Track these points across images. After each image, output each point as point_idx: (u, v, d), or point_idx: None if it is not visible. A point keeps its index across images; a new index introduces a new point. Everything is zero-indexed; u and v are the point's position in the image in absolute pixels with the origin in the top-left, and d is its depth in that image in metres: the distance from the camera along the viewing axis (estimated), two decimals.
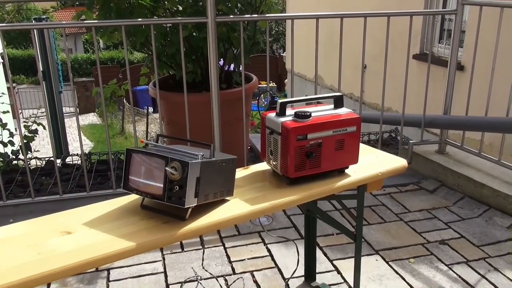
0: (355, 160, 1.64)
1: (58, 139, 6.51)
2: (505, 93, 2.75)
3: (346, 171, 1.65)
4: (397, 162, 1.76)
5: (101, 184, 3.23)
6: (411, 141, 3.21)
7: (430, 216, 2.66)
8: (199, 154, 1.31)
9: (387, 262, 2.21)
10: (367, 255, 2.27)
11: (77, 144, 12.00)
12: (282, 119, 1.54)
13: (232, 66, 3.33)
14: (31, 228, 1.32)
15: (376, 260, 2.23)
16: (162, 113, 3.19)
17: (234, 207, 1.41)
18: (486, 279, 2.07)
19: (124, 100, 14.06)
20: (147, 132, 14.88)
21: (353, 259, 2.22)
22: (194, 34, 3.06)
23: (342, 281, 2.07)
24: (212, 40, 2.62)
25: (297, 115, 1.54)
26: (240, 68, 3.21)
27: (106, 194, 2.86)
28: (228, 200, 1.45)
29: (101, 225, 1.31)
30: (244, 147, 3.16)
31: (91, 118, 16.04)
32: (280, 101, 1.57)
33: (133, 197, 1.48)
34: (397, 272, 2.13)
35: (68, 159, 3.82)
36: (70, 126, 13.40)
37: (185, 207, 1.28)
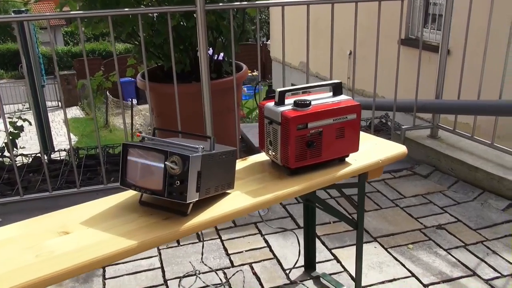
0: (355, 148, 1.61)
1: (42, 134, 6.37)
2: (495, 76, 2.74)
3: (346, 159, 1.63)
4: (396, 148, 1.74)
5: (91, 180, 3.16)
6: (403, 127, 3.20)
7: (426, 201, 2.66)
8: (199, 147, 1.27)
9: (386, 249, 2.20)
10: (366, 242, 2.25)
11: (60, 139, 11.83)
12: (282, 108, 1.50)
13: (221, 55, 3.28)
14: (26, 229, 1.26)
15: (375, 247, 2.22)
16: (152, 105, 3.13)
17: (236, 200, 1.37)
18: (486, 262, 2.08)
19: (108, 93, 13.86)
20: (132, 125, 14.71)
21: (351, 247, 2.23)
22: (182, 23, 3.00)
23: (342, 269, 2.06)
24: (201, 29, 2.56)
25: (296, 104, 1.50)
26: (230, 57, 3.16)
27: (97, 190, 2.80)
28: (229, 193, 1.41)
29: (100, 224, 1.27)
30: (236, 137, 3.12)
31: (74, 112, 15.81)
32: (278, 90, 1.53)
33: (130, 193, 1.43)
34: (396, 259, 2.12)
35: (54, 155, 3.74)
36: (53, 120, 13.18)
37: (187, 202, 1.24)
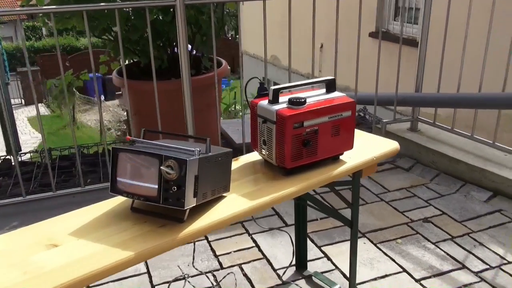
0: (350, 146, 1.58)
1: (9, 134, 6.10)
2: (475, 69, 2.77)
3: (341, 157, 1.59)
4: (389, 145, 1.71)
5: (66, 182, 3.03)
6: (384, 120, 3.21)
7: (410, 194, 2.67)
8: (195, 150, 1.21)
9: (375, 245, 2.19)
10: None
11: (25, 138, 11.42)
12: (276, 107, 1.44)
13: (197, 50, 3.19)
14: (10, 242, 1.17)
15: (364, 243, 2.21)
16: (126, 103, 3.02)
17: (233, 204, 1.32)
18: (473, 254, 2.09)
19: (74, 89, 13.47)
20: (101, 122, 14.33)
21: (340, 244, 2.22)
22: (159, 18, 2.90)
23: (334, 267, 2.04)
24: (181, 24, 2.47)
25: (291, 102, 1.45)
26: (209, 53, 3.09)
27: (74, 193, 2.68)
28: (225, 197, 1.36)
29: (90, 234, 1.19)
30: (218, 135, 3.05)
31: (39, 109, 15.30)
32: (273, 88, 1.48)
33: (119, 199, 1.35)
34: (386, 254, 2.12)
35: (25, 157, 3.58)
36: (17, 118, 12.70)
37: (185, 208, 1.18)
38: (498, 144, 2.77)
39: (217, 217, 1.25)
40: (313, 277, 1.96)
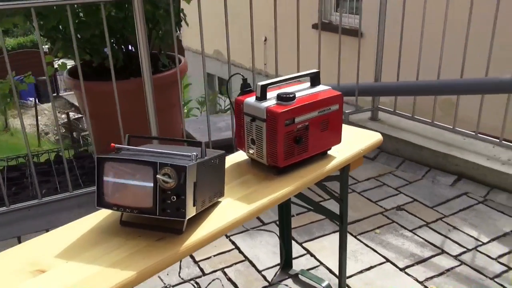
0: (338, 140, 1.54)
1: None
2: (431, 57, 2.84)
3: (328, 152, 1.56)
4: (373, 136, 1.70)
5: (17, 195, 2.81)
6: (347, 111, 3.22)
7: (379, 183, 2.70)
8: (192, 155, 1.12)
9: (355, 237, 2.19)
10: (334, 232, 2.23)
11: None
12: (265, 104, 1.38)
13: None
14: None
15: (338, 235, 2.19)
16: (83, 106, 2.83)
17: (231, 210, 1.24)
18: (450, 239, 2.14)
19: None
20: (38, 126, 13.64)
21: (321, 239, 2.20)
22: (112, 14, 2.73)
23: (318, 263, 2.01)
24: (139, 19, 2.33)
25: (280, 98, 1.39)
26: (167, 49, 2.96)
27: (30, 206, 2.47)
28: (220, 202, 1.28)
29: (80, 255, 1.07)
30: (183, 135, 2.94)
31: None
32: (260, 84, 1.41)
33: (105, 213, 1.24)
34: (367, 246, 2.12)
35: None
36: None
37: (186, 219, 1.09)
38: (458, 129, 2.86)
39: (217, 225, 1.17)
40: (299, 276, 1.92)
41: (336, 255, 2.03)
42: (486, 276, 1.88)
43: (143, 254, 1.07)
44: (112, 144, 1.19)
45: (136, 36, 2.76)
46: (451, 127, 2.88)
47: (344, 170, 1.61)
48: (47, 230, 2.39)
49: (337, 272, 1.94)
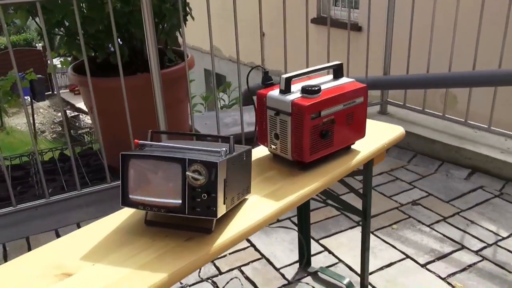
0: (362, 134, 1.50)
1: None
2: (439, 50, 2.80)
3: (352, 146, 1.51)
4: (395, 130, 1.65)
5: (23, 194, 2.75)
6: None
7: (392, 178, 2.66)
8: (221, 150, 1.07)
9: (372, 233, 2.15)
10: (350, 228, 2.19)
11: None
12: (290, 97, 1.33)
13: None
14: (12, 274, 0.98)
15: (360, 231, 2.15)
16: (89, 103, 2.77)
17: (259, 207, 1.19)
18: (469, 233, 2.10)
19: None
20: (34, 125, 13.54)
21: (338, 235, 2.15)
22: (117, 8, 2.67)
23: (337, 260, 1.97)
24: (147, 13, 2.28)
25: (305, 91, 1.34)
26: (173, 44, 2.90)
27: (37, 206, 2.42)
28: (247, 199, 1.23)
29: (107, 257, 1.02)
30: (192, 131, 2.88)
31: None
32: (284, 76, 1.36)
33: (127, 212, 1.19)
34: (385, 242, 2.08)
35: None
36: None
37: (218, 217, 1.04)
38: (470, 122, 2.82)
39: (247, 224, 1.12)
40: (319, 273, 1.88)
41: (354, 251, 2.00)
42: (510, 272, 1.84)
43: (173, 255, 1.02)
44: (136, 141, 1.14)
45: (141, 31, 2.72)
46: (463, 120, 2.84)
47: (368, 165, 1.57)
48: (56, 230, 2.34)
49: (356, 269, 1.90)
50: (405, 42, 2.94)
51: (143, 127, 2.63)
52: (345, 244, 2.06)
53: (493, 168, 2.57)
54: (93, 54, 2.87)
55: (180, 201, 1.04)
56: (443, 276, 1.84)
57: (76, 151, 3.42)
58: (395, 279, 1.83)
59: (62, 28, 2.67)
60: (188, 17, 2.90)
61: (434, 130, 2.90)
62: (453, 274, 1.85)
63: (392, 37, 3.06)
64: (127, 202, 1.09)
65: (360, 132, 1.49)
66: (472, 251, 1.98)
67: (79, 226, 2.34)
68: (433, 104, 2.91)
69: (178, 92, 2.74)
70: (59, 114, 14.59)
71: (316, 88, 1.34)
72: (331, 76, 1.50)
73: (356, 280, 1.83)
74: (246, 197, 1.22)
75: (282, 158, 1.41)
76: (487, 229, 2.13)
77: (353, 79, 1.50)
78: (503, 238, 2.05)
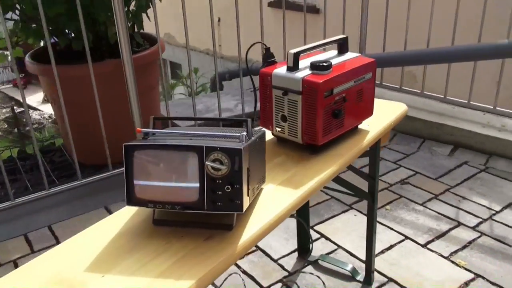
0: (370, 113, 1.41)
1: None
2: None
3: (359, 126, 1.42)
4: (398, 107, 1.58)
5: None
6: None
7: None
8: (241, 135, 0.94)
9: (365, 215, 2.08)
10: (343, 212, 2.11)
11: None
12: (300, 74, 1.21)
13: None
14: None
15: (355, 215, 2.09)
16: (51, 94, 2.54)
17: (278, 197, 1.08)
18: (462, 209, 2.08)
19: None
20: None
21: (332, 220, 2.08)
22: None
23: (336, 247, 1.89)
24: None
25: (315, 67, 1.22)
26: (140, 27, 2.70)
27: (0, 209, 2.19)
28: (262, 189, 1.11)
29: (117, 266, 0.88)
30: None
31: None
32: (292, 51, 1.24)
33: (127, 212, 1.04)
34: (382, 223, 2.02)
35: None
36: None
37: (244, 211, 0.91)
38: (450, 98, 2.81)
39: (269, 216, 1.00)
40: (319, 261, 1.79)
41: (351, 236, 1.93)
42: (509, 245, 1.83)
43: (194, 258, 0.89)
44: (138, 129, 0.99)
45: (105, 14, 2.51)
46: (442, 96, 2.83)
47: (377, 145, 1.48)
48: (26, 235, 2.13)
49: (357, 254, 1.83)
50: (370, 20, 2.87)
51: (114, 117, 2.45)
52: (341, 229, 1.99)
53: (475, 143, 2.57)
54: (52, 41, 2.63)
55: (198, 196, 0.91)
56: (445, 255, 1.80)
57: (30, 149, 3.16)
58: (398, 262, 1.78)
59: (16, 13, 2.42)
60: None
61: (413, 107, 2.87)
62: (455, 252, 1.81)
63: (367, 15, 2.99)
64: (133, 201, 0.95)
65: (368, 110, 1.40)
66: (469, 227, 1.96)
67: (50, 229, 2.14)
68: (395, 80, 2.88)
69: (150, 78, 2.56)
70: (4, 110, 13.79)
71: (327, 64, 1.23)
72: (335, 51, 1.40)
73: (359, 265, 1.76)
74: (262, 186, 1.11)
75: (288, 141, 1.30)
76: (479, 204, 2.12)
77: (359, 54, 1.40)
78: (497, 212, 2.05)
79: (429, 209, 2.10)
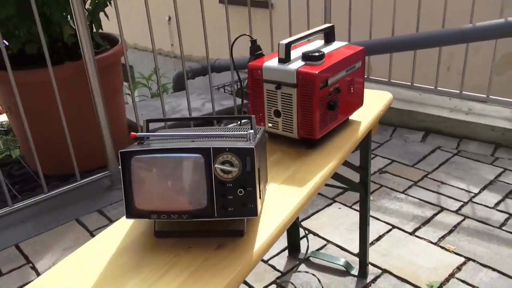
0: (361, 103, 1.37)
1: None
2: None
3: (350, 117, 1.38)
4: (384, 96, 1.55)
5: None
6: None
7: None
8: (248, 133, 0.87)
9: (350, 207, 2.06)
10: (327, 206, 2.08)
11: None
12: (294, 66, 1.15)
13: None
14: None
15: (339, 208, 2.06)
16: (6, 102, 2.36)
17: (283, 197, 1.02)
18: (443, 194, 2.10)
19: None
20: None
21: (317, 215, 2.04)
22: None
23: (325, 242, 1.85)
24: None
25: (308, 57, 1.17)
26: (99, 27, 2.56)
27: None
28: (266, 189, 1.04)
29: (124, 286, 0.79)
30: (126, 123, 2.59)
31: None
32: (284, 42, 1.17)
33: (121, 226, 0.95)
34: None
35: None
36: None
37: (258, 215, 0.85)
38: (416, 84, 2.85)
39: (280, 218, 0.94)
40: (311, 258, 1.75)
41: (339, 230, 1.90)
42: (493, 226, 1.86)
43: (209, 270, 0.81)
44: (133, 133, 0.89)
45: (60, 13, 2.35)
46: (410, 83, 2.86)
47: (368, 136, 1.45)
48: None
49: (347, 248, 1.81)
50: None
51: (78, 123, 2.30)
52: (327, 224, 1.95)
53: (445, 127, 2.61)
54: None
55: (206, 202, 0.84)
56: (434, 241, 1.80)
57: None
58: (390, 252, 1.76)
59: None
60: None
61: None
62: (443, 237, 1.82)
63: (331, 10, 2.98)
64: (133, 213, 0.85)
65: (359, 100, 1.36)
66: (452, 211, 1.98)
67: (18, 248, 1.97)
68: None
69: (113, 81, 2.42)
70: None
71: (319, 54, 1.18)
72: (321, 41, 1.35)
73: (351, 259, 1.73)
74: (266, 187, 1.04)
75: (281, 137, 1.24)
76: (458, 187, 2.14)
77: (347, 42, 1.36)
78: (476, 194, 2.08)
79: (411, 196, 2.11)
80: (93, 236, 1.97)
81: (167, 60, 7.89)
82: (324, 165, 1.14)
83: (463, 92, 2.69)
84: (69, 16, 2.41)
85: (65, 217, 2.12)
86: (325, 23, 3.06)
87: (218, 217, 0.84)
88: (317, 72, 1.12)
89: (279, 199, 1.00)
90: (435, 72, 2.73)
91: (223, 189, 0.83)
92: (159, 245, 0.88)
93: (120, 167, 0.84)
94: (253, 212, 0.84)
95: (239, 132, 0.88)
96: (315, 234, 1.90)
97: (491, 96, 2.61)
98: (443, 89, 2.76)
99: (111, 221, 2.06)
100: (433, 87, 2.79)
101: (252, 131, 0.87)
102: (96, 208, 2.17)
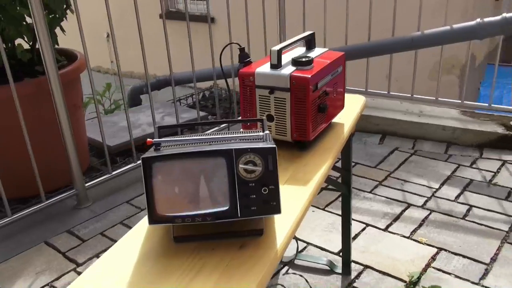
0: (343, 105, 1.44)
1: None
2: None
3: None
4: (358, 100, 1.63)
5: None
6: None
7: None
8: (265, 134, 0.90)
9: (323, 209, 2.13)
10: None
11: None
12: (286, 71, 1.20)
13: None
14: None
15: (313, 211, 2.12)
16: None
17: (291, 195, 1.06)
18: (407, 191, 2.22)
19: None
20: None
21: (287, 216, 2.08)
22: None
23: (305, 244, 1.90)
24: (35, 3, 1.89)
25: (298, 63, 1.22)
26: (55, 42, 2.47)
27: None
28: None
29: None
30: (87, 140, 2.52)
31: None
32: (275, 48, 1.22)
33: (135, 236, 0.94)
34: (340, 215, 2.07)
35: None
36: None
37: (281, 212, 0.87)
38: (370, 90, 2.99)
39: (292, 217, 0.98)
40: (295, 261, 1.79)
41: (317, 232, 1.96)
42: (457, 217, 1.99)
43: (238, 269, 0.83)
44: (149, 140, 0.89)
45: (16, 29, 2.26)
46: (364, 89, 3.00)
47: (350, 137, 1.52)
48: None
49: (327, 248, 1.87)
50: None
51: (39, 142, 2.21)
52: (304, 227, 2.01)
53: (399, 129, 2.76)
54: None
55: (228, 203, 0.85)
56: (406, 235, 1.90)
57: None
58: (368, 248, 1.84)
59: None
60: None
61: None
62: (414, 231, 1.92)
63: (285, 20, 3.07)
64: (156, 219, 0.85)
65: (342, 103, 1.43)
66: (418, 206, 2.10)
67: None
68: None
69: (74, 97, 2.35)
70: None
71: (309, 59, 1.23)
72: (303, 48, 1.41)
73: (332, 258, 1.79)
74: None
75: (274, 141, 1.27)
76: (420, 184, 2.27)
77: (327, 49, 1.43)
78: (437, 189, 2.22)
79: (378, 195, 2.21)
80: (66, 257, 1.90)
81: (108, 77, 7.71)
82: (321, 164, 1.19)
83: (414, 96, 2.87)
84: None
85: (32, 240, 2.02)
86: (279, 34, 3.16)
87: (242, 217, 0.86)
88: (309, 76, 1.17)
89: (287, 198, 1.04)
90: (382, 79, 2.89)
91: (246, 189, 0.85)
92: (180, 250, 0.89)
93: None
94: (277, 209, 0.86)
95: (254, 134, 0.91)
96: (294, 237, 1.94)
97: (440, 98, 2.80)
98: (395, 93, 2.93)
99: (83, 241, 1.99)
100: (386, 92, 2.95)
101: (268, 132, 0.91)
102: (64, 228, 2.09)
